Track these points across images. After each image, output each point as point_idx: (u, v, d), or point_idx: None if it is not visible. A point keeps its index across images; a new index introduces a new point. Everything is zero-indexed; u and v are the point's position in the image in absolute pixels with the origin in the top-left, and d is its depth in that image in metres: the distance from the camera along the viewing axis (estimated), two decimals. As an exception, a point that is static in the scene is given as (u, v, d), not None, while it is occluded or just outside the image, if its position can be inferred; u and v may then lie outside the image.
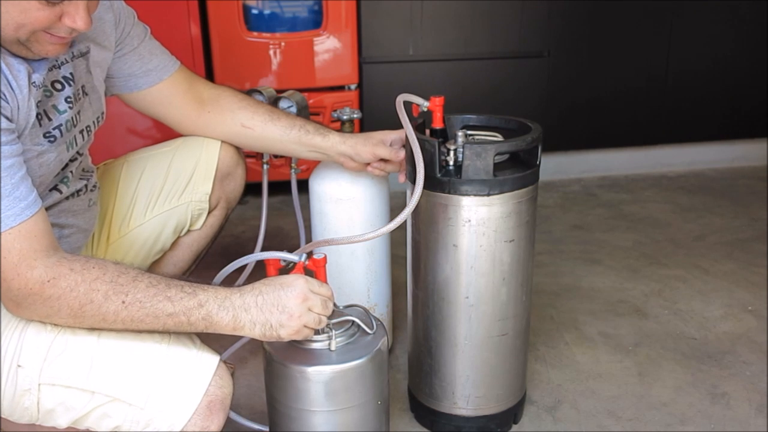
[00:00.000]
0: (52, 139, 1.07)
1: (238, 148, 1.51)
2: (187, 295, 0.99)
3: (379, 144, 1.45)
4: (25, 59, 1.00)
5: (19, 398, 0.98)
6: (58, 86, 1.10)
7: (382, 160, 1.46)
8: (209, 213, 1.50)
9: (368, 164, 1.47)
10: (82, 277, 0.94)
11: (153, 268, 1.49)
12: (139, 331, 1.00)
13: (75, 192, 1.19)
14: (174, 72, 1.37)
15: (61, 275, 0.93)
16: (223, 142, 1.47)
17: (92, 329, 1.00)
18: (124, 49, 1.29)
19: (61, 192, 1.15)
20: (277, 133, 1.44)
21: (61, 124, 1.10)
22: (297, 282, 1.06)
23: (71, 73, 1.13)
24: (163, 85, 1.36)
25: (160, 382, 0.99)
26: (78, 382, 0.98)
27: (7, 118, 0.95)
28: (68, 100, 1.12)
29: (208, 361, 1.03)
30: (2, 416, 1.02)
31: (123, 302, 0.96)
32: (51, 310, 0.94)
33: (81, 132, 1.17)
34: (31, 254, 0.92)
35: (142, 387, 0.99)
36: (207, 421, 1.00)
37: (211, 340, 1.09)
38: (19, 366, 0.97)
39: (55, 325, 0.98)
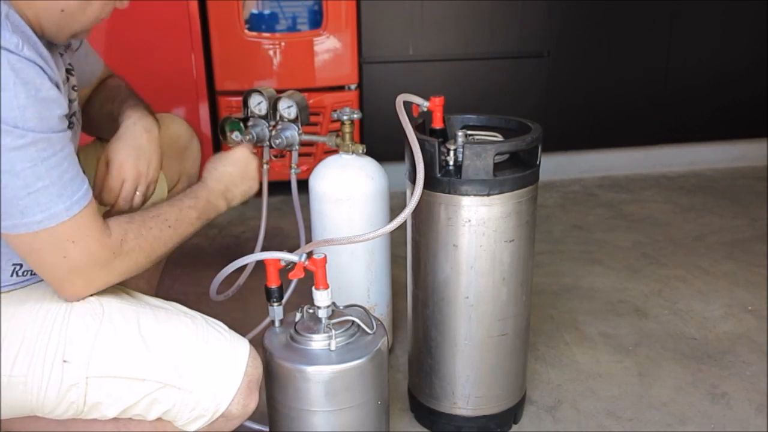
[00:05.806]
0: (71, 125, 1.07)
1: (188, 124, 1.55)
2: (193, 201, 1.19)
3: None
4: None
5: (65, 393, 0.99)
6: (69, 75, 1.12)
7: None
8: (172, 189, 1.50)
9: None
10: (137, 225, 1.07)
11: None
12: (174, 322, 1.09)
13: None
14: (99, 74, 1.39)
15: (126, 231, 1.05)
16: (174, 117, 1.51)
17: (137, 308, 1.07)
18: (74, 45, 1.29)
19: None
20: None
21: (75, 112, 1.11)
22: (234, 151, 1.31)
23: (70, 63, 1.14)
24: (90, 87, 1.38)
25: (205, 365, 1.04)
26: (128, 372, 1.01)
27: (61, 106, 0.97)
28: (75, 89, 1.14)
29: (242, 344, 1.09)
30: (37, 414, 1.02)
31: (169, 226, 1.11)
32: (130, 260, 1.05)
33: (79, 120, 1.17)
34: (102, 226, 1.02)
35: (190, 371, 1.03)
36: (247, 399, 1.06)
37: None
38: (65, 361, 0.99)
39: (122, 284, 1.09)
